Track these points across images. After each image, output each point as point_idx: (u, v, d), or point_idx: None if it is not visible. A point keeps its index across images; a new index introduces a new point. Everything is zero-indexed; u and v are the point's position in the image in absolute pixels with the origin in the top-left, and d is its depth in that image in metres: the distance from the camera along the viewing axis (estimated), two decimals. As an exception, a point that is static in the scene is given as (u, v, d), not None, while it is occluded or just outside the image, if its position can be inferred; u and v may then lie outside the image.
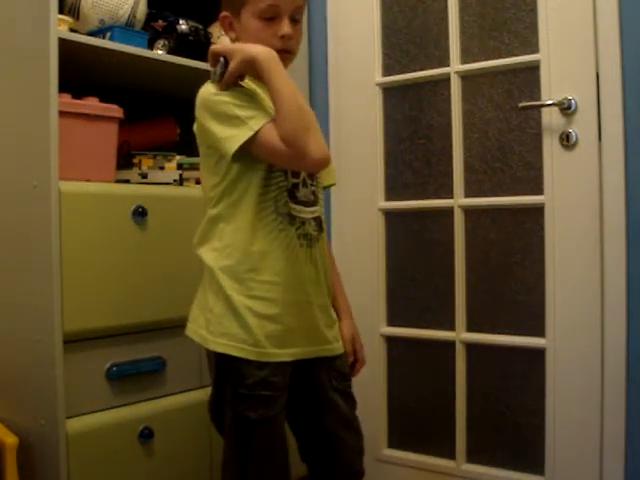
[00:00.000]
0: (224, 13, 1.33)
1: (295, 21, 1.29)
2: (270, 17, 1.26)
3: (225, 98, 1.23)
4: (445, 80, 1.86)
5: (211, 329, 1.28)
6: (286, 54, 1.30)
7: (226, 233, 1.28)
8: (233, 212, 1.27)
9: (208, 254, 1.30)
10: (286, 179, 1.29)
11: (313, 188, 1.35)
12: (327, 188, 1.50)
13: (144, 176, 1.76)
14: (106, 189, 1.56)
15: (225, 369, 1.28)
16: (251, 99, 1.25)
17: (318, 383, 1.37)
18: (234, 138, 1.20)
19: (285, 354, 1.28)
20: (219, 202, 1.29)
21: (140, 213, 1.56)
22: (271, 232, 1.27)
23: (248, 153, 1.22)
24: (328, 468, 1.39)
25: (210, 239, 1.31)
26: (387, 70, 1.99)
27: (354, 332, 1.45)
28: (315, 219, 1.34)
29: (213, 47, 1.29)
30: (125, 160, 1.79)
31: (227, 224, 1.28)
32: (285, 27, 1.26)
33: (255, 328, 1.25)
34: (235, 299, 1.25)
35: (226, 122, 1.22)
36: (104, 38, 1.65)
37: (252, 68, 1.23)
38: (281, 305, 1.27)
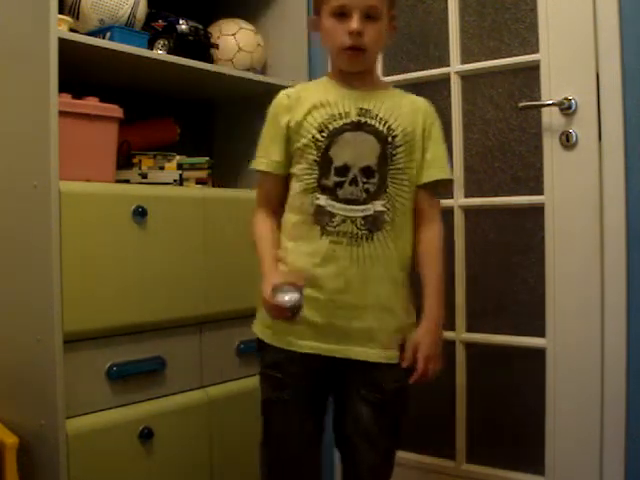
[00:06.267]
0: (312, 16, 1.42)
1: (371, 18, 1.31)
2: (341, 14, 1.31)
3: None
4: (445, 80, 1.86)
5: (257, 314, 1.42)
6: (357, 51, 1.32)
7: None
8: (285, 211, 1.40)
9: None
10: (326, 177, 1.33)
11: (368, 186, 1.33)
12: (433, 186, 1.39)
13: (144, 176, 1.76)
14: (106, 189, 1.56)
15: (258, 350, 1.42)
16: (267, 134, 1.41)
17: (346, 386, 1.37)
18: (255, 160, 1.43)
19: (301, 345, 1.33)
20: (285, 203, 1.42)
21: (140, 213, 1.56)
22: (298, 229, 1.35)
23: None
24: (344, 468, 1.43)
25: None
26: (387, 70, 1.99)
27: (421, 340, 1.33)
28: (365, 217, 1.32)
29: None
30: (125, 160, 1.79)
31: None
32: (353, 23, 1.29)
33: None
34: None
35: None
36: (104, 38, 1.65)
37: None
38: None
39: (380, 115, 1.35)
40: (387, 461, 1.40)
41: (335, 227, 1.32)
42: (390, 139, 1.34)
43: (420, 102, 1.42)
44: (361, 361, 1.33)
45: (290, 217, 1.38)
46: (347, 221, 1.31)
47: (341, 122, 1.34)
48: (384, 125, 1.35)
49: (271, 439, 1.38)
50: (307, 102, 1.36)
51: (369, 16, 1.30)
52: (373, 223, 1.32)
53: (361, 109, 1.35)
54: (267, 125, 1.42)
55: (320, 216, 1.33)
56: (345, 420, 1.38)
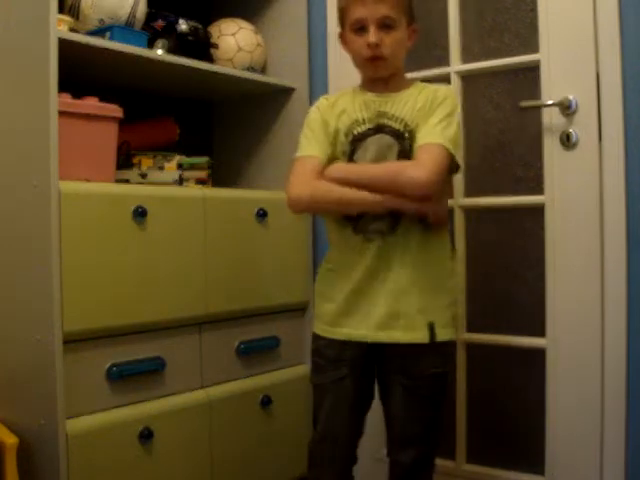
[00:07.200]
0: (340, 31, 1.48)
1: (388, 27, 1.38)
2: (360, 28, 1.39)
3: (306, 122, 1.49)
4: (445, 80, 1.86)
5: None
6: (378, 60, 1.40)
7: None
8: (327, 219, 1.52)
9: None
10: None
11: None
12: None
13: (144, 176, 1.76)
14: (106, 189, 1.56)
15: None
16: (314, 132, 1.45)
17: (383, 372, 1.46)
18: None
19: (335, 332, 1.44)
20: None
21: (140, 213, 1.56)
22: (335, 228, 1.46)
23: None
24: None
25: None
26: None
27: None
28: (391, 214, 1.38)
29: None
30: (125, 160, 1.79)
31: None
32: (370, 36, 1.37)
33: (318, 307, 1.49)
34: (317, 280, 1.52)
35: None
36: (104, 38, 1.65)
37: None
38: (336, 289, 1.44)
39: (397, 115, 1.41)
40: (408, 434, 1.44)
41: (364, 224, 1.40)
42: (407, 134, 1.40)
43: (431, 91, 1.44)
44: (393, 346, 1.40)
45: (330, 225, 1.48)
46: (376, 218, 1.39)
47: (364, 127, 1.43)
48: (400, 123, 1.41)
49: (315, 420, 1.48)
50: (338, 109, 1.46)
51: (386, 25, 1.37)
52: (394, 213, 1.38)
53: (380, 112, 1.43)
54: (312, 125, 1.47)
55: (349, 216, 1.42)
56: (386, 400, 1.46)
